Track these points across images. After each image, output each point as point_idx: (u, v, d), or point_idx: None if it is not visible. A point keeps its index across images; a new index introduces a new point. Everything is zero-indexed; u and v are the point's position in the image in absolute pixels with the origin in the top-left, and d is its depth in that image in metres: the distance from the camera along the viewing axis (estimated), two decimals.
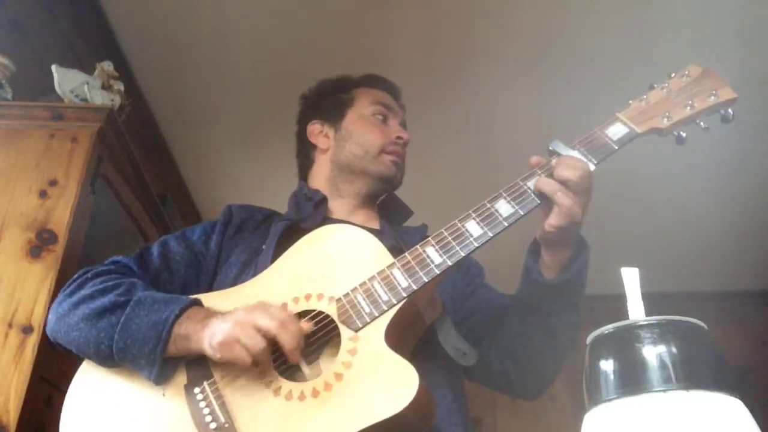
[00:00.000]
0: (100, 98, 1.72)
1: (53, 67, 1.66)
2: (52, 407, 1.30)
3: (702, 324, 0.65)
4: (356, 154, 1.23)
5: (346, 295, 0.95)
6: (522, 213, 0.95)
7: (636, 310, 0.67)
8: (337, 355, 0.91)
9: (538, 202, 0.96)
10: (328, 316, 0.95)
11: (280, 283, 1.00)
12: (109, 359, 0.96)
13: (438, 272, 0.93)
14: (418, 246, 0.96)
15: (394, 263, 0.95)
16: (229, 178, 3.10)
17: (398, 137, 1.25)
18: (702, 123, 1.01)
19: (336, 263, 0.99)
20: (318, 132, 1.31)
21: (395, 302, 0.92)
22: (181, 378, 0.95)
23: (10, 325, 1.27)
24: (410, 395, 0.82)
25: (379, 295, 0.93)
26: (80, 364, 1.01)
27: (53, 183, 1.44)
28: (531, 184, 0.97)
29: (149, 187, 1.90)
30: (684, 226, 3.42)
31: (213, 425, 0.88)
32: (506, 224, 0.95)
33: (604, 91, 2.62)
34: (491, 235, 0.94)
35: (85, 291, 1.02)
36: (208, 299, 1.01)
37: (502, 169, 3.13)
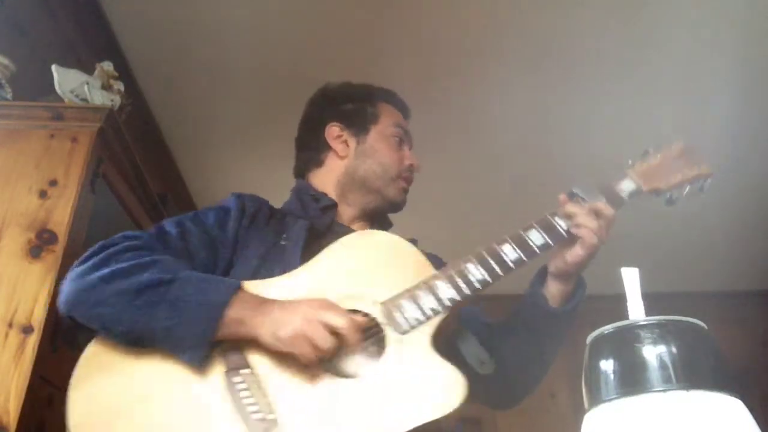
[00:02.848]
0: (100, 98, 1.72)
1: (53, 67, 1.66)
2: (53, 407, 1.30)
3: (702, 324, 0.65)
4: (375, 172, 1.25)
5: (392, 299, 0.98)
6: (552, 244, 1.05)
7: (636, 310, 0.67)
8: (377, 355, 0.95)
9: (565, 236, 1.05)
10: (373, 318, 0.97)
11: (321, 281, 1.00)
12: (142, 339, 0.92)
13: (478, 287, 0.99)
14: (460, 261, 1.03)
15: (437, 274, 1.01)
16: (229, 177, 3.10)
17: (411, 164, 1.29)
18: (688, 188, 1.16)
19: (378, 268, 1.03)
20: (337, 136, 1.29)
21: (440, 310, 0.97)
22: (218, 364, 0.92)
23: (10, 325, 1.27)
24: (459, 399, 0.88)
25: (424, 303, 0.97)
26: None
27: (53, 183, 1.44)
28: (558, 219, 1.06)
29: (149, 187, 1.90)
30: (684, 227, 3.41)
31: (257, 415, 0.88)
32: (539, 252, 1.03)
33: (605, 93, 2.63)
34: (525, 259, 1.03)
35: (119, 265, 0.96)
36: (248, 286, 0.99)
37: (499, 171, 3.13)
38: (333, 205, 1.23)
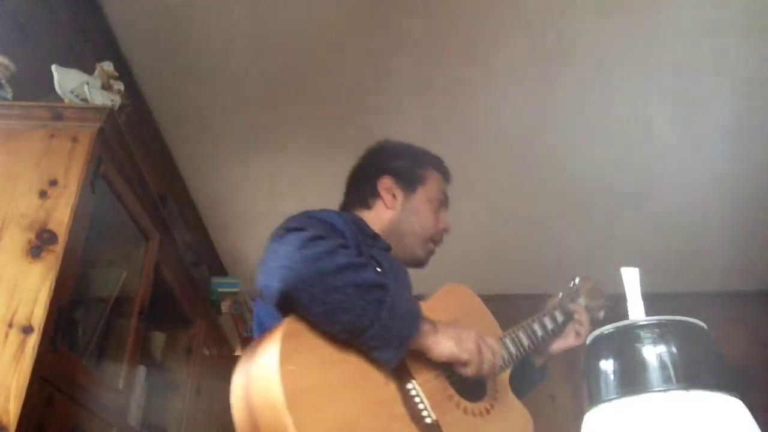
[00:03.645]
0: (100, 98, 1.72)
1: (53, 67, 1.66)
2: (53, 407, 1.30)
3: (702, 324, 0.65)
4: (415, 230, 1.41)
5: None
6: (556, 330, 1.45)
7: (636, 310, 0.67)
8: (482, 387, 1.20)
9: (562, 328, 1.46)
10: None
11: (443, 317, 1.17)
12: (357, 330, 0.98)
13: (528, 350, 1.35)
14: (517, 330, 1.37)
15: (506, 334, 1.33)
16: (229, 178, 3.10)
17: (445, 229, 1.46)
18: (601, 309, 1.58)
19: (469, 317, 1.25)
20: (387, 188, 1.43)
21: (511, 362, 1.29)
22: (390, 371, 1.03)
23: (10, 325, 1.27)
24: (532, 426, 1.24)
25: (504, 354, 1.26)
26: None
27: (53, 183, 1.44)
28: (557, 313, 1.46)
29: (149, 187, 1.90)
30: (684, 226, 3.42)
31: (429, 420, 1.02)
32: (551, 335, 1.44)
33: (605, 93, 2.63)
34: (546, 338, 1.42)
35: (348, 259, 1.02)
36: None
37: (500, 170, 3.13)
38: (390, 249, 1.35)
